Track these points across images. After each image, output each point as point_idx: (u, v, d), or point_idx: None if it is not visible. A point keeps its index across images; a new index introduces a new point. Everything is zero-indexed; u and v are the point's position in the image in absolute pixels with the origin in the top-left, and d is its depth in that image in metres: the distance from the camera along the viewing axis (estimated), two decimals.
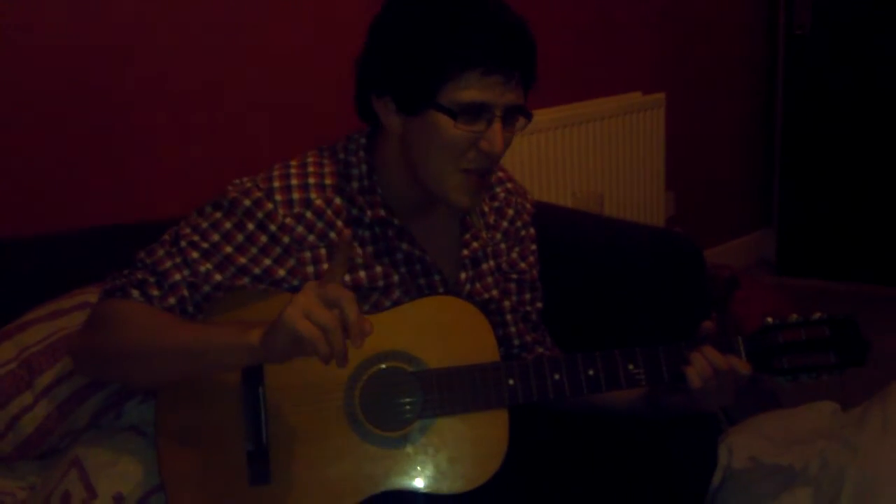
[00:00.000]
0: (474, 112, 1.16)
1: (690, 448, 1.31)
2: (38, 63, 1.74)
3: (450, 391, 1.20)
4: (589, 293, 1.63)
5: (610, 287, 1.64)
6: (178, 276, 1.20)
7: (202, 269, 1.21)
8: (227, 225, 1.22)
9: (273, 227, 1.22)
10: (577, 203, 2.77)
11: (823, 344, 1.23)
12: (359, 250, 1.26)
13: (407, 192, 1.27)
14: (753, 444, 1.56)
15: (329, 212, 1.24)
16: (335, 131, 1.33)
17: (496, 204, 1.41)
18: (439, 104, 1.16)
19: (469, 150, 1.18)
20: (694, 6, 3.31)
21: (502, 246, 1.41)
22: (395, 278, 1.28)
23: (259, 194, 1.22)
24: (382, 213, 1.26)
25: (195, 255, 1.21)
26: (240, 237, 1.22)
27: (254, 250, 1.22)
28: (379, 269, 1.27)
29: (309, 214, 1.23)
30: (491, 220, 1.40)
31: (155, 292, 1.20)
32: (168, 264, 1.21)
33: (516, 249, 1.42)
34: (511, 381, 1.21)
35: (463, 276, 1.34)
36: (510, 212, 1.42)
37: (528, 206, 1.46)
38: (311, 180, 1.25)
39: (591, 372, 1.21)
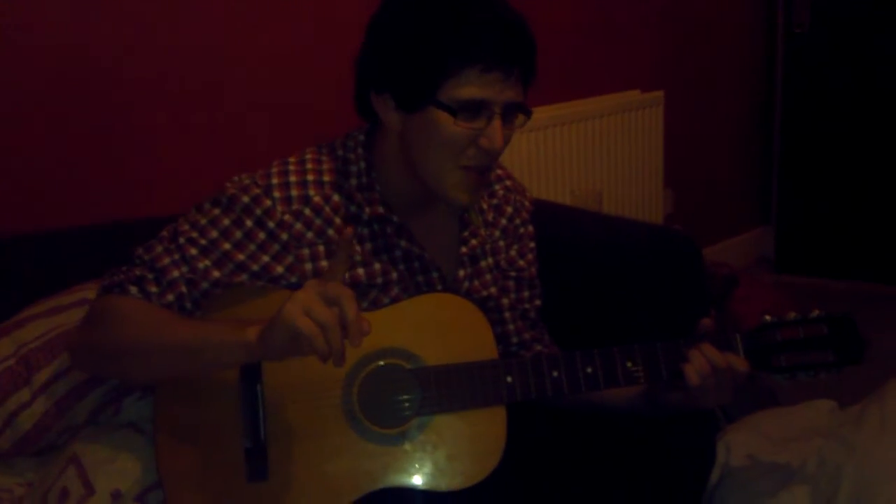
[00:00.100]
0: (474, 109, 1.16)
1: (688, 445, 1.32)
2: (38, 63, 1.74)
3: (448, 388, 1.20)
4: (587, 291, 1.63)
5: (609, 285, 1.64)
6: (176, 273, 1.20)
7: (200, 265, 1.21)
8: (226, 222, 1.22)
9: (271, 224, 1.22)
10: (576, 201, 2.77)
11: (821, 342, 1.23)
12: (357, 247, 1.26)
13: (405, 189, 1.27)
14: (751, 441, 1.56)
15: (327, 209, 1.24)
16: (335, 131, 1.33)
17: (495, 201, 1.41)
18: (439, 101, 1.15)
19: (468, 147, 1.18)
20: (693, 4, 3.31)
21: (501, 243, 1.41)
22: (394, 275, 1.28)
23: (257, 191, 1.22)
24: (381, 210, 1.26)
25: (193, 251, 1.21)
26: (238, 234, 1.22)
27: (252, 247, 1.22)
28: (377, 266, 1.27)
29: (307, 211, 1.23)
30: (490, 217, 1.40)
31: (153, 289, 1.20)
32: (166, 261, 1.21)
33: (515, 247, 1.42)
34: (509, 379, 1.21)
35: (461, 273, 1.34)
36: (509, 209, 1.42)
37: (526, 203, 1.46)
38: (310, 177, 1.24)
39: (589, 369, 1.21)
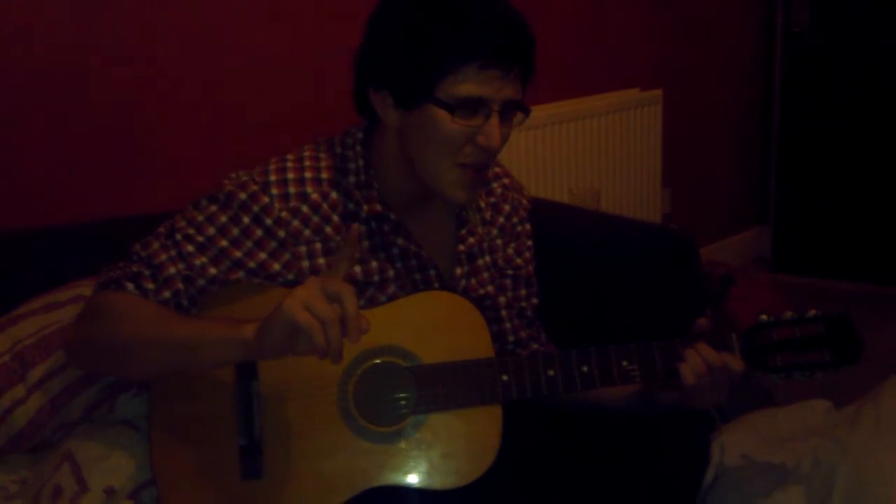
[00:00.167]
0: (472, 106, 1.16)
1: (683, 445, 1.32)
2: (38, 63, 1.73)
3: (444, 387, 1.20)
4: (584, 289, 1.63)
5: (605, 283, 1.64)
6: (173, 270, 1.20)
7: (197, 262, 1.20)
8: (223, 218, 1.22)
9: (269, 221, 1.22)
10: (574, 199, 2.77)
11: (818, 342, 1.23)
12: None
13: (403, 186, 1.27)
14: (746, 441, 1.56)
15: (325, 206, 1.24)
16: (334, 131, 1.33)
17: (492, 199, 1.41)
18: (437, 98, 1.15)
19: (466, 145, 1.18)
20: (692, 3, 3.31)
21: (498, 242, 1.40)
22: (391, 273, 1.28)
23: (255, 188, 1.22)
24: (379, 207, 1.26)
25: (190, 248, 1.21)
26: (235, 231, 1.21)
27: (249, 244, 1.21)
28: (374, 263, 1.27)
29: (305, 208, 1.23)
30: (487, 215, 1.40)
31: (150, 285, 1.20)
32: (163, 257, 1.21)
33: (512, 245, 1.42)
34: (505, 377, 1.21)
35: (458, 271, 1.34)
36: (506, 207, 1.42)
37: (524, 201, 1.46)
38: (308, 174, 1.24)
39: (585, 368, 1.21)
